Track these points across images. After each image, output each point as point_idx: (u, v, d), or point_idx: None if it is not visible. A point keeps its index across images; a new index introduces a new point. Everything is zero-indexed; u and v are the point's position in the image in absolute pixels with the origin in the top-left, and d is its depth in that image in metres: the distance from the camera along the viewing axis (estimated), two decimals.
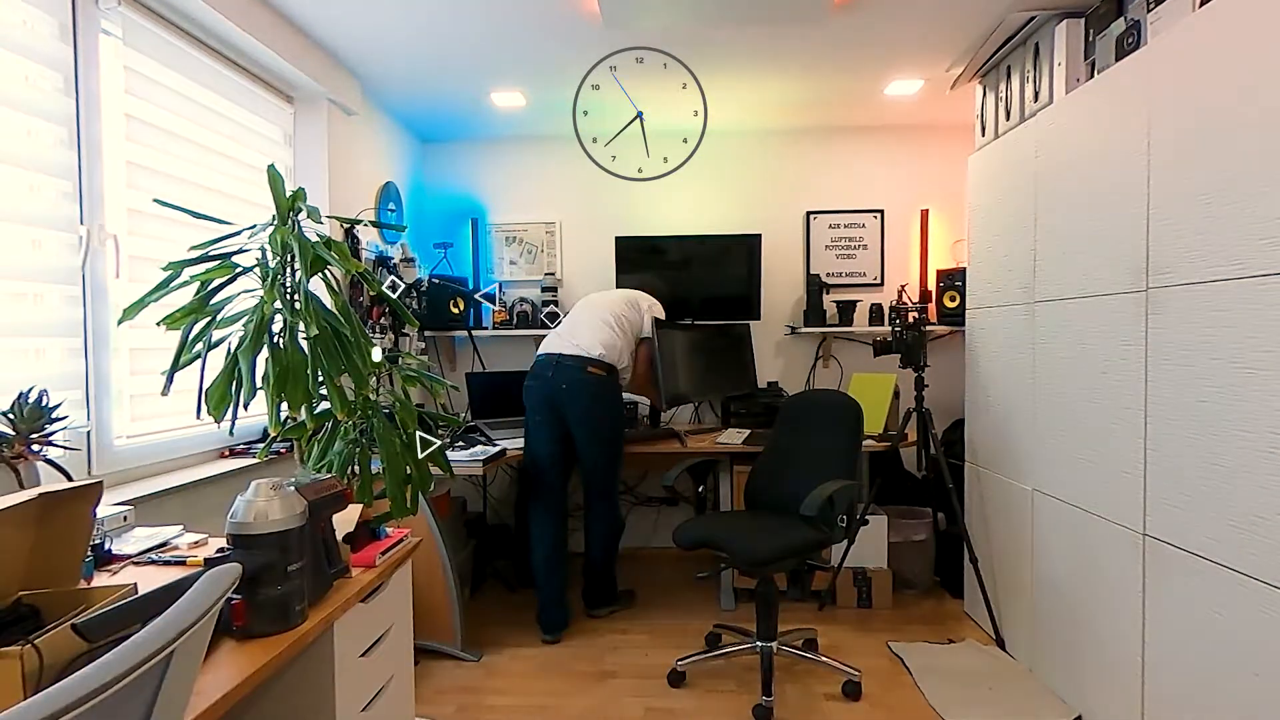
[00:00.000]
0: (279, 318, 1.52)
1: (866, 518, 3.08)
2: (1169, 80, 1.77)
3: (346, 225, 2.90)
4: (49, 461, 1.42)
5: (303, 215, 1.58)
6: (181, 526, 1.66)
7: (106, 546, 1.42)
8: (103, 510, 1.51)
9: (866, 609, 3.10)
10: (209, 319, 1.51)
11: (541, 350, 2.93)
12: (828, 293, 3.74)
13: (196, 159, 2.26)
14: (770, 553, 2.24)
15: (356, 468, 1.67)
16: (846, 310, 3.66)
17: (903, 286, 3.79)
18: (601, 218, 3.93)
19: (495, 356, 3.94)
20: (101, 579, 1.32)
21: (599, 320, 2.94)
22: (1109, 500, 2.03)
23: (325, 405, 1.59)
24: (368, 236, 3.25)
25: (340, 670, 1.29)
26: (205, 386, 1.50)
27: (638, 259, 3.68)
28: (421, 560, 2.62)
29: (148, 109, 2.05)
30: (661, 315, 3.17)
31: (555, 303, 3.78)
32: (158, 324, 1.49)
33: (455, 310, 3.59)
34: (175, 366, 1.48)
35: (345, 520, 1.49)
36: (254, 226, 1.59)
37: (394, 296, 2.93)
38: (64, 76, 1.77)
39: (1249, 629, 1.54)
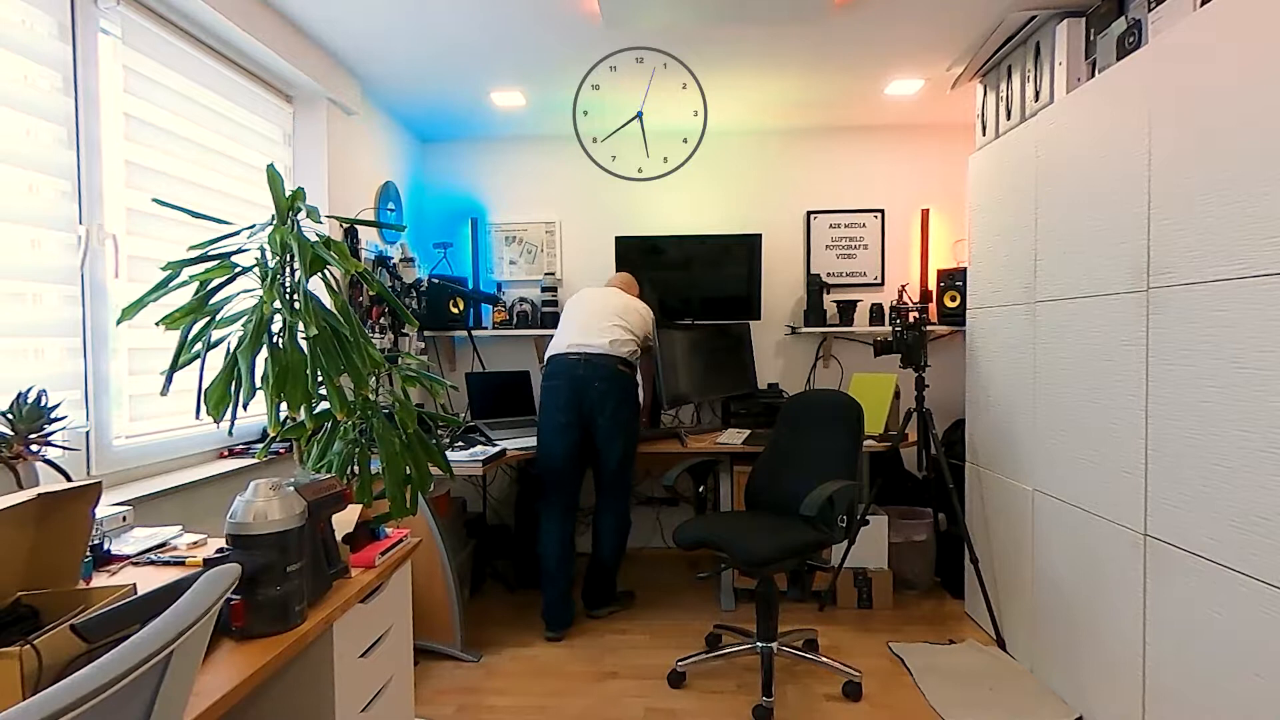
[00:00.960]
0: (278, 317, 1.52)
1: (867, 518, 3.08)
2: (1170, 80, 1.77)
3: (346, 225, 2.90)
4: (48, 462, 1.42)
5: (302, 215, 1.57)
6: (180, 527, 1.65)
7: (105, 547, 1.41)
8: (102, 510, 1.51)
9: (867, 609, 3.10)
10: (208, 319, 1.50)
11: (560, 348, 2.92)
12: (828, 293, 3.74)
13: (196, 159, 2.25)
14: (770, 553, 2.24)
15: (356, 468, 1.67)
16: (847, 310, 3.65)
17: (903, 286, 3.79)
18: (601, 218, 3.93)
19: (495, 356, 3.94)
20: (100, 579, 1.32)
21: (614, 324, 2.95)
22: (1110, 500, 2.02)
23: (324, 405, 1.58)
24: (368, 236, 3.25)
25: (340, 671, 1.29)
26: (204, 386, 1.50)
27: (638, 259, 3.68)
28: (421, 560, 2.62)
29: (147, 108, 2.05)
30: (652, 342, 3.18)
31: (555, 303, 3.78)
32: (157, 324, 1.49)
33: (455, 310, 3.59)
34: (174, 366, 1.47)
35: (345, 520, 1.49)
36: (253, 226, 1.58)
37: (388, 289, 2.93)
38: (63, 76, 1.77)
39: (1250, 629, 1.54)
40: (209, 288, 1.52)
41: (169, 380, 1.47)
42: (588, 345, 2.88)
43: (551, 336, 3.08)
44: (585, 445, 2.90)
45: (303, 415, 1.54)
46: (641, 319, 3.06)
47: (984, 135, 2.92)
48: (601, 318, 2.96)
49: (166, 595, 0.86)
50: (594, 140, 3.80)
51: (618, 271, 3.59)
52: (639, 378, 3.04)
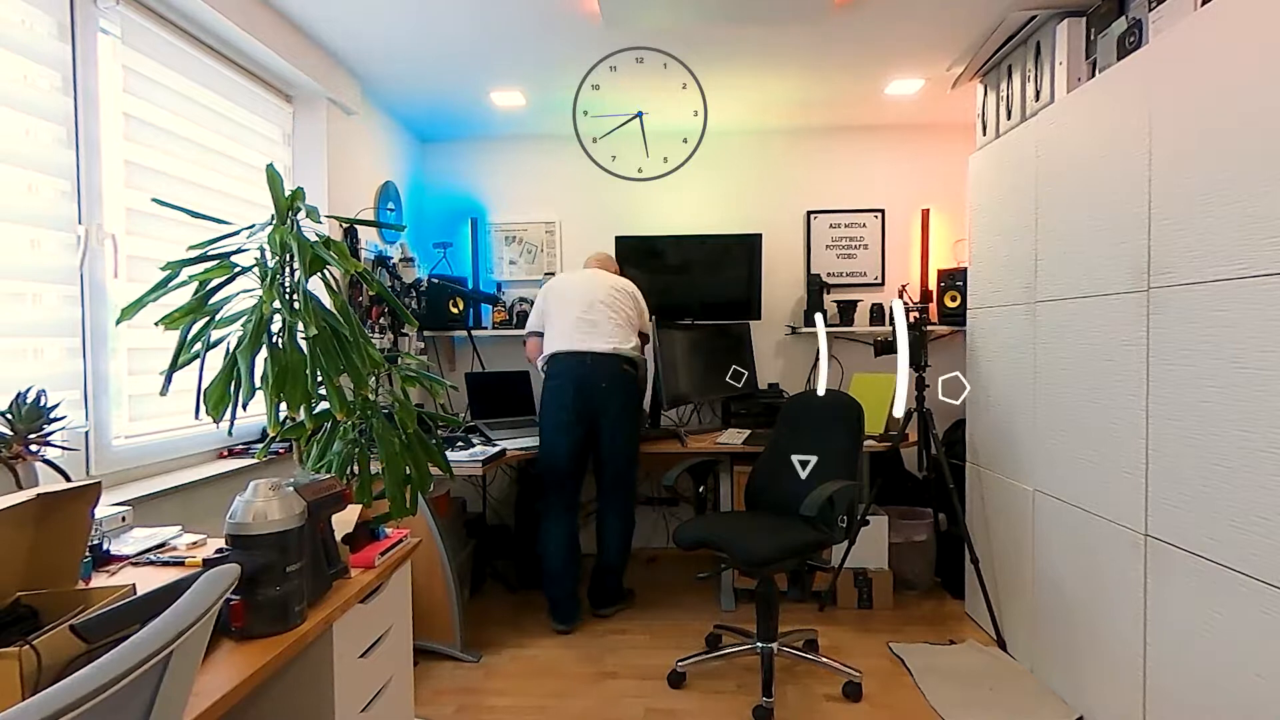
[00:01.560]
0: (278, 317, 1.52)
1: (867, 518, 3.08)
2: (1170, 79, 1.77)
3: (345, 225, 2.90)
4: (47, 462, 1.42)
5: (301, 215, 1.57)
6: (180, 527, 1.65)
7: (105, 547, 1.41)
8: (101, 511, 1.51)
9: (867, 609, 3.10)
10: (208, 319, 1.50)
11: (564, 346, 2.89)
12: (828, 292, 3.74)
13: (195, 158, 2.25)
14: (770, 553, 2.24)
15: (356, 468, 1.66)
16: (847, 310, 3.65)
17: (904, 286, 3.78)
18: (601, 218, 3.92)
19: (495, 356, 3.93)
20: (100, 580, 1.32)
21: (616, 321, 2.93)
22: (1110, 500, 2.02)
23: (324, 405, 1.58)
24: (367, 236, 3.24)
25: (339, 671, 1.29)
26: (204, 387, 1.50)
27: (638, 259, 3.68)
28: (421, 561, 2.62)
29: (146, 108, 2.05)
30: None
31: None
32: (156, 324, 1.49)
33: (455, 310, 3.59)
34: (174, 366, 1.47)
35: (344, 521, 1.48)
36: (253, 226, 1.58)
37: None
38: (62, 75, 1.76)
39: (1250, 629, 1.54)
40: (208, 288, 1.52)
41: (168, 380, 1.46)
42: (592, 346, 2.86)
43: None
44: (588, 444, 2.90)
45: (302, 415, 1.54)
46: (634, 302, 3.03)
47: (984, 135, 2.92)
48: (597, 312, 2.91)
49: (166, 595, 0.85)
50: (594, 140, 3.79)
51: (621, 273, 3.54)
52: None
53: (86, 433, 1.82)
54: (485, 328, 3.81)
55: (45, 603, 1.01)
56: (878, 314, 3.68)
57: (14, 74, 1.63)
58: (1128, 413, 1.94)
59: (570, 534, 2.90)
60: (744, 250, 3.69)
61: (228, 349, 1.51)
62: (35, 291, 1.70)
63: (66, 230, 1.77)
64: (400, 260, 3.42)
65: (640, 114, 3.50)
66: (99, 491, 1.14)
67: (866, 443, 3.02)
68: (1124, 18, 2.08)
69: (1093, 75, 2.24)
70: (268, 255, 1.55)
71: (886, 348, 3.02)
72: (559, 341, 2.93)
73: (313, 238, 1.54)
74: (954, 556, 3.17)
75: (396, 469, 1.61)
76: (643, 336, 3.11)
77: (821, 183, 3.85)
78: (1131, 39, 2.03)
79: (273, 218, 1.56)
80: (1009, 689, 2.37)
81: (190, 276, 1.51)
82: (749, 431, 3.31)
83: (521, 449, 2.97)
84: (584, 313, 2.92)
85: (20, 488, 1.34)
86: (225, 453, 2.35)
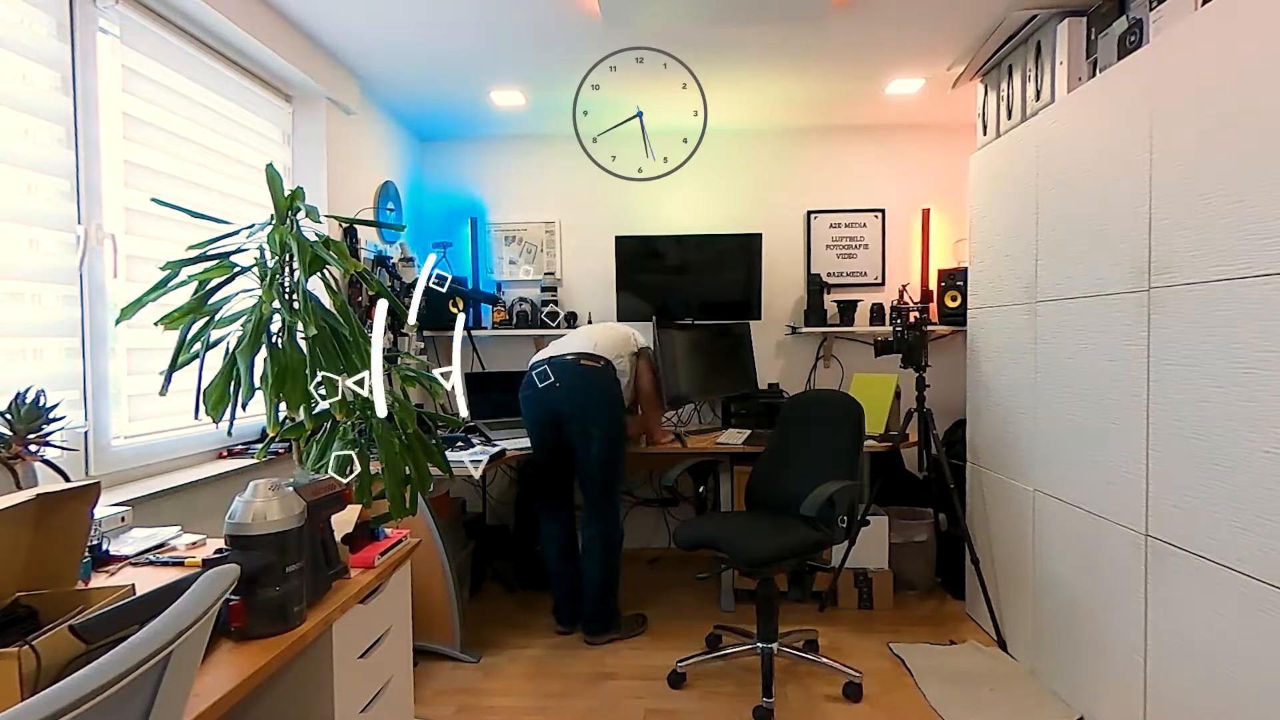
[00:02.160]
0: (277, 317, 1.52)
1: (867, 518, 3.07)
2: (1171, 79, 1.77)
3: (345, 225, 2.90)
4: (46, 462, 1.42)
5: (301, 214, 1.57)
6: (179, 527, 1.65)
7: (104, 547, 1.41)
8: (100, 511, 1.50)
9: (867, 610, 3.10)
10: (207, 319, 1.50)
11: (534, 359, 2.92)
12: (828, 292, 3.74)
13: (195, 158, 2.25)
14: (770, 553, 2.24)
15: (355, 468, 1.66)
16: (847, 310, 3.65)
17: (904, 286, 3.78)
18: (601, 218, 3.92)
19: (495, 356, 3.93)
20: (99, 580, 1.31)
21: (588, 332, 2.95)
22: (1111, 500, 2.02)
23: (324, 405, 1.58)
24: (367, 236, 3.24)
25: (339, 671, 1.28)
26: (203, 387, 1.49)
27: (638, 259, 3.68)
28: (420, 561, 2.61)
29: (146, 108, 2.05)
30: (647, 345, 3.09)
31: (555, 302, 3.78)
32: (156, 324, 1.48)
33: (455, 310, 3.59)
34: (173, 366, 1.47)
35: (344, 521, 1.48)
36: (252, 226, 1.58)
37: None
38: (62, 75, 1.76)
39: (1251, 630, 1.53)
40: (208, 287, 1.52)
41: (168, 380, 1.46)
42: (552, 352, 2.87)
43: (551, 337, 3.07)
44: (568, 448, 2.85)
45: (302, 415, 1.54)
46: (627, 338, 2.99)
47: (985, 135, 2.92)
48: (579, 334, 2.97)
49: (165, 596, 0.85)
50: (594, 140, 3.79)
51: (621, 273, 3.56)
52: (621, 377, 2.91)
53: (86, 433, 1.82)
54: (485, 328, 3.81)
55: (45, 603, 1.01)
56: (878, 314, 3.68)
57: (14, 74, 1.63)
58: (1128, 413, 1.94)
59: (562, 534, 2.89)
60: (744, 250, 3.69)
61: (227, 349, 1.51)
62: (35, 291, 1.70)
63: (66, 230, 1.77)
64: (400, 260, 3.41)
65: (640, 113, 3.49)
66: (98, 492, 1.14)
67: (866, 443, 3.02)
68: (1124, 17, 2.08)
69: (1093, 75, 2.24)
70: (267, 255, 1.55)
71: (887, 348, 3.02)
72: (534, 358, 2.93)
73: (312, 237, 1.54)
74: (954, 557, 3.17)
75: (396, 469, 1.61)
76: (647, 358, 3.03)
77: (821, 182, 3.85)
78: (1132, 38, 2.03)
79: (272, 217, 1.56)
80: (1009, 689, 2.37)
81: (190, 276, 1.50)
82: (749, 431, 3.31)
83: (521, 449, 2.97)
84: (570, 338, 2.95)
85: (20, 488, 1.34)
86: (225, 453, 2.34)
